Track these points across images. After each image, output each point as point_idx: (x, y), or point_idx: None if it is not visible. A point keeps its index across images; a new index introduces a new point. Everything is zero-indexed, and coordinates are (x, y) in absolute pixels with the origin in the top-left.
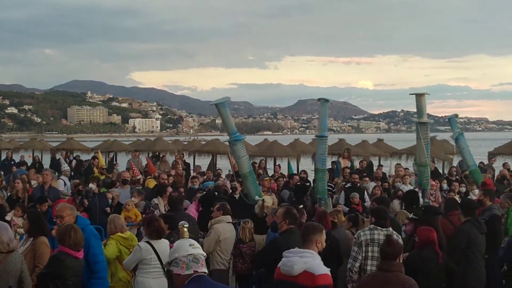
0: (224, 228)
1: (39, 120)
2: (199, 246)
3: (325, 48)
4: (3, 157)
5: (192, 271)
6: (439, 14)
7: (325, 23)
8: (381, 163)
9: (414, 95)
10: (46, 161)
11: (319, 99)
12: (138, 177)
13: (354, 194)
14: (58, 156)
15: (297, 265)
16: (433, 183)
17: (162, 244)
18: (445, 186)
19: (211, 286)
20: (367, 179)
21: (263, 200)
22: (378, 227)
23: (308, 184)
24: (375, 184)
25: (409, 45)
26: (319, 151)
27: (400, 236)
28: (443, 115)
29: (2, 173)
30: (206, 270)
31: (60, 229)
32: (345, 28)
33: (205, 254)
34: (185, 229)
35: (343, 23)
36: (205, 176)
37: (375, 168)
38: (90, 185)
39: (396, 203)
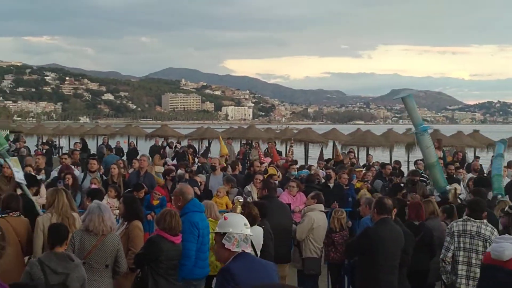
0: (317, 216)
1: (134, 106)
2: (250, 227)
3: (420, 37)
4: (100, 142)
5: (241, 249)
6: None
7: (421, 11)
8: (477, 154)
9: None
10: (141, 147)
11: None
12: (264, 164)
13: (455, 185)
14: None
15: (508, 250)
16: None
17: (255, 231)
18: None
19: (256, 262)
20: (462, 170)
21: (455, 188)
22: (472, 219)
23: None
24: (472, 175)
25: (507, 34)
26: (496, 164)
27: (495, 230)
28: None
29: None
30: (250, 251)
31: (159, 212)
32: (441, 17)
33: (252, 235)
34: (239, 206)
35: (439, 11)
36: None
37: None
38: (179, 171)
39: (491, 195)
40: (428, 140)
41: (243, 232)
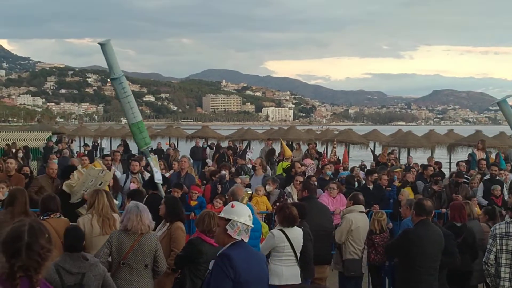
0: (355, 217)
1: (175, 108)
2: (252, 219)
3: (462, 37)
4: None
5: (240, 238)
6: None
7: (462, 11)
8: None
9: None
10: (182, 148)
11: None
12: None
13: (496, 186)
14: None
15: None
16: None
17: (295, 232)
18: None
19: (251, 252)
20: (504, 171)
21: None
22: None
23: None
24: None
25: None
26: None
27: None
28: None
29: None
30: (247, 240)
31: (199, 214)
32: (483, 17)
33: (253, 226)
34: (246, 197)
35: (481, 11)
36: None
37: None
38: (223, 172)
39: None
40: None
41: (246, 222)
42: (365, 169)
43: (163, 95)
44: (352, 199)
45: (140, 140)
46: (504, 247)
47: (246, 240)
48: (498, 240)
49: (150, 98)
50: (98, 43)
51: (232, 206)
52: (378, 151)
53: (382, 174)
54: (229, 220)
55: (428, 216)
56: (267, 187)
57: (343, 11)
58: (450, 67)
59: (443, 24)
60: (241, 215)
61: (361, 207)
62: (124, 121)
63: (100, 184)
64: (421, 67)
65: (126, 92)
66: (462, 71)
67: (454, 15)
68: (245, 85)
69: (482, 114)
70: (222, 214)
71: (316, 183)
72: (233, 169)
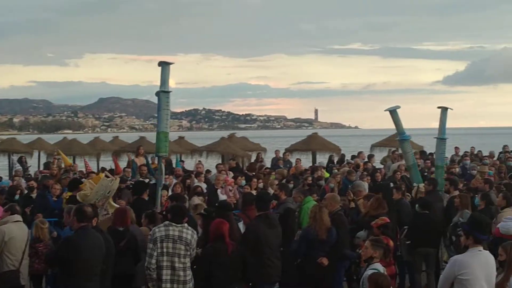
0: (9, 228)
1: None
2: None
3: (128, 46)
4: None
5: None
6: (238, 13)
7: (130, 21)
8: (183, 159)
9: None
10: None
11: (439, 107)
12: None
13: (164, 191)
14: None
15: None
16: (230, 180)
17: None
18: (243, 182)
19: None
20: (170, 176)
21: (418, 186)
22: (173, 224)
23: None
24: (176, 181)
25: (211, 44)
26: (439, 151)
27: (195, 233)
28: (244, 113)
29: None
30: None
31: None
32: (149, 26)
33: None
34: None
35: (148, 21)
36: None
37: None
38: None
39: (196, 200)
40: (408, 147)
41: None
42: None
43: None
44: (9, 210)
45: (162, 146)
46: (165, 250)
47: None
48: (158, 244)
49: None
50: (161, 62)
51: None
52: (43, 159)
53: (53, 183)
54: None
55: (89, 222)
56: None
57: (6, 18)
58: (116, 75)
59: (109, 33)
60: None
61: (17, 217)
62: None
63: (108, 193)
64: (87, 75)
65: (168, 106)
66: (128, 79)
67: (121, 25)
68: None
69: (148, 121)
70: None
71: None
72: None
